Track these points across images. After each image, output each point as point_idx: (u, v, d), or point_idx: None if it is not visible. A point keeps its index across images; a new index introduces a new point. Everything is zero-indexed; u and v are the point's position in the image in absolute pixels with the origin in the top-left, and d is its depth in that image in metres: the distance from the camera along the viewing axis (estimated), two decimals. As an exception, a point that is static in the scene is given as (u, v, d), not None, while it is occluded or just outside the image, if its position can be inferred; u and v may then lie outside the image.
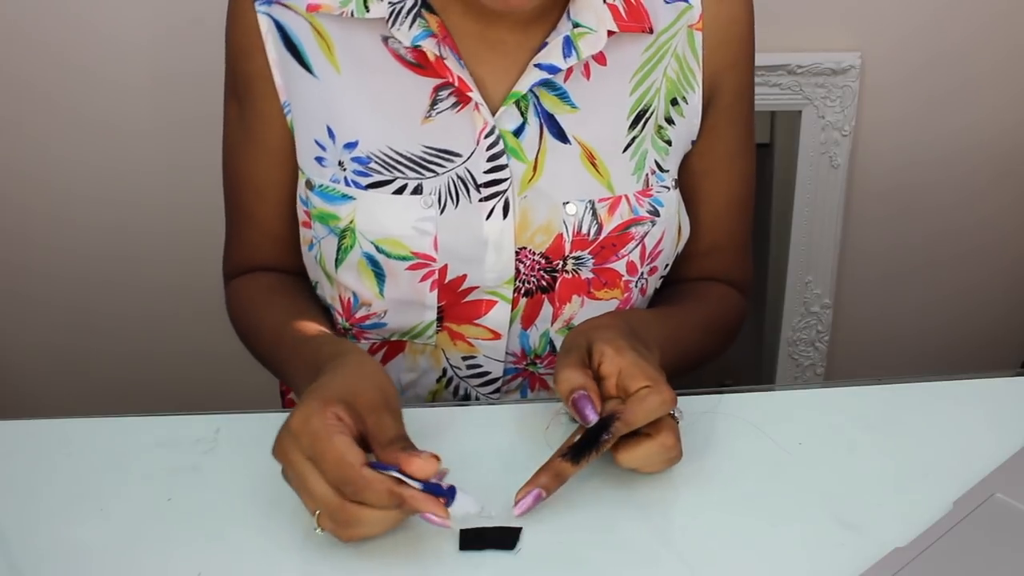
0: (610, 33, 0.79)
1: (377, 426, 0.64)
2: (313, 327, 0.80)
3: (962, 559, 0.62)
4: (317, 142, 0.81)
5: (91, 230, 1.51)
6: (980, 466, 0.70)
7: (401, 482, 0.60)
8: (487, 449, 0.73)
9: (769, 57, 1.43)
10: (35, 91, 1.41)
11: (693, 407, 0.75)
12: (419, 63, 0.79)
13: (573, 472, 0.66)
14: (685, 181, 0.88)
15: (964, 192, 1.57)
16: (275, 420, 0.76)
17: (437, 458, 0.61)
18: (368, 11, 0.77)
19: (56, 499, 0.69)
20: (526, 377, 0.89)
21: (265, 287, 0.89)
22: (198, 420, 0.76)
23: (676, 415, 0.68)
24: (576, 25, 0.78)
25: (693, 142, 0.86)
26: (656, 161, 0.83)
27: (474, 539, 0.65)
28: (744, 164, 0.90)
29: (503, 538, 0.65)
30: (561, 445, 0.67)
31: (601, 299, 0.84)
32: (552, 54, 0.78)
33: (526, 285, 0.83)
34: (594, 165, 0.81)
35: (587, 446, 0.65)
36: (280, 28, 0.81)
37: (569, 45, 0.78)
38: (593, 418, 0.66)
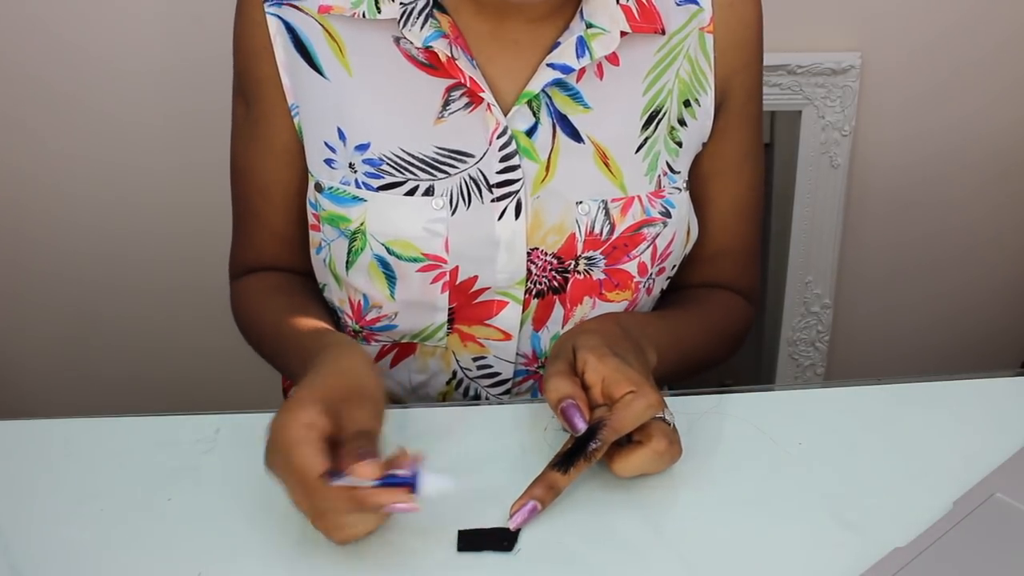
0: (623, 34, 0.79)
1: (348, 419, 0.64)
2: (310, 322, 0.80)
3: (962, 559, 0.62)
4: (327, 144, 0.81)
5: (91, 230, 1.51)
6: (980, 466, 0.70)
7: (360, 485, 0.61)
8: (491, 449, 0.73)
9: (769, 57, 1.41)
10: (38, 90, 1.41)
11: (693, 407, 0.76)
12: (431, 64, 0.79)
13: (566, 483, 0.66)
14: (694, 183, 0.88)
15: (964, 191, 1.57)
16: (275, 420, 0.77)
17: (406, 453, 0.61)
18: (379, 12, 0.77)
19: (56, 499, 0.69)
20: (536, 380, 0.89)
21: (268, 285, 0.89)
22: (198, 420, 0.76)
23: (667, 418, 0.68)
24: (590, 25, 0.78)
25: (704, 144, 0.86)
26: (668, 162, 0.84)
27: (472, 540, 0.65)
28: (752, 167, 0.90)
29: (502, 539, 0.65)
30: (553, 456, 0.67)
31: (612, 301, 0.84)
32: (565, 54, 0.78)
33: (537, 286, 0.83)
34: (607, 165, 0.81)
35: (576, 453, 0.66)
36: (290, 29, 0.81)
37: (583, 45, 0.78)
38: (581, 426, 0.66)
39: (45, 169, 1.47)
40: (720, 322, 0.90)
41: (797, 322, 1.66)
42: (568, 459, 0.66)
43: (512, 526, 0.65)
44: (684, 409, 0.74)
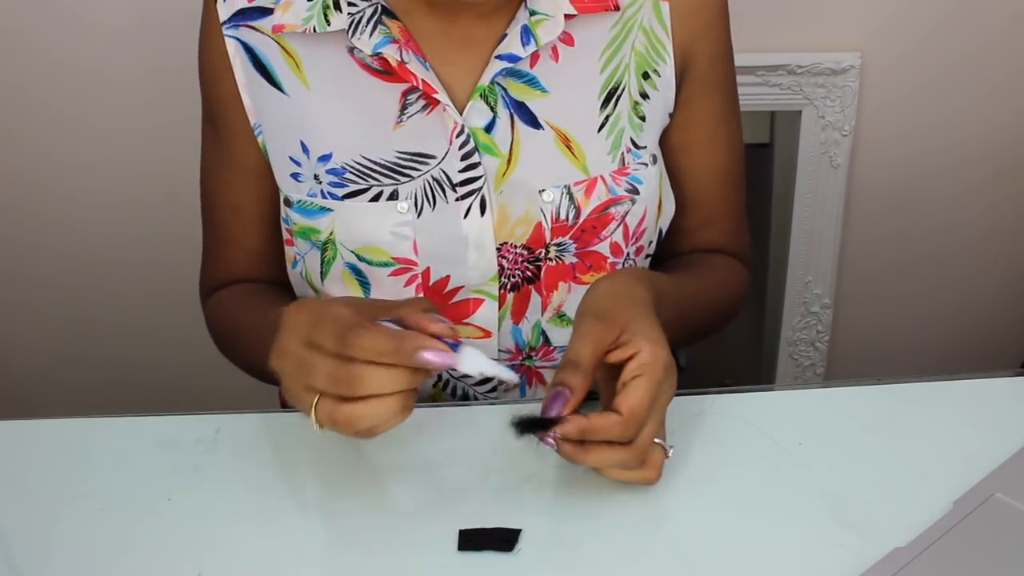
0: (568, 16, 0.79)
1: (373, 303, 0.63)
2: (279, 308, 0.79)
3: (962, 559, 0.62)
4: (292, 159, 0.82)
5: (91, 230, 1.51)
6: (980, 466, 0.70)
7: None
8: (490, 449, 0.73)
9: (769, 57, 1.43)
10: (33, 93, 1.41)
11: (693, 407, 0.75)
12: (385, 70, 0.79)
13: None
14: (668, 157, 0.87)
15: (964, 192, 1.57)
16: (275, 420, 0.77)
17: (445, 324, 0.61)
18: (329, 24, 0.78)
19: (56, 499, 0.69)
20: (523, 372, 0.89)
21: (243, 292, 0.89)
22: (198, 420, 0.76)
23: (668, 451, 0.67)
24: (533, 13, 0.79)
25: (671, 115, 0.86)
26: (632, 138, 0.83)
27: (473, 540, 0.65)
28: (727, 132, 0.89)
29: (502, 539, 0.64)
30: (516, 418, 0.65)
31: (587, 283, 0.84)
32: (512, 44, 0.78)
33: (511, 279, 0.83)
34: (569, 148, 0.81)
35: (534, 428, 0.63)
36: (248, 50, 0.81)
37: (527, 33, 0.78)
38: (552, 412, 0.63)
39: (42, 170, 1.47)
40: (722, 291, 0.90)
41: (797, 322, 1.66)
42: (525, 427, 0.64)
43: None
44: (684, 409, 0.74)
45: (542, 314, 0.85)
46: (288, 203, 0.83)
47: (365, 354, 0.59)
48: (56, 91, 1.42)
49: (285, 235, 0.86)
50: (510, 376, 0.64)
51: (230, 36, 0.81)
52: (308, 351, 0.61)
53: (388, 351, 0.59)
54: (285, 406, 1.03)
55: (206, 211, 0.90)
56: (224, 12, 0.81)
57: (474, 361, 0.62)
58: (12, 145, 1.45)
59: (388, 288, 0.82)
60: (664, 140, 0.87)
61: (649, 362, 0.64)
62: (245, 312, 0.85)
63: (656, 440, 0.66)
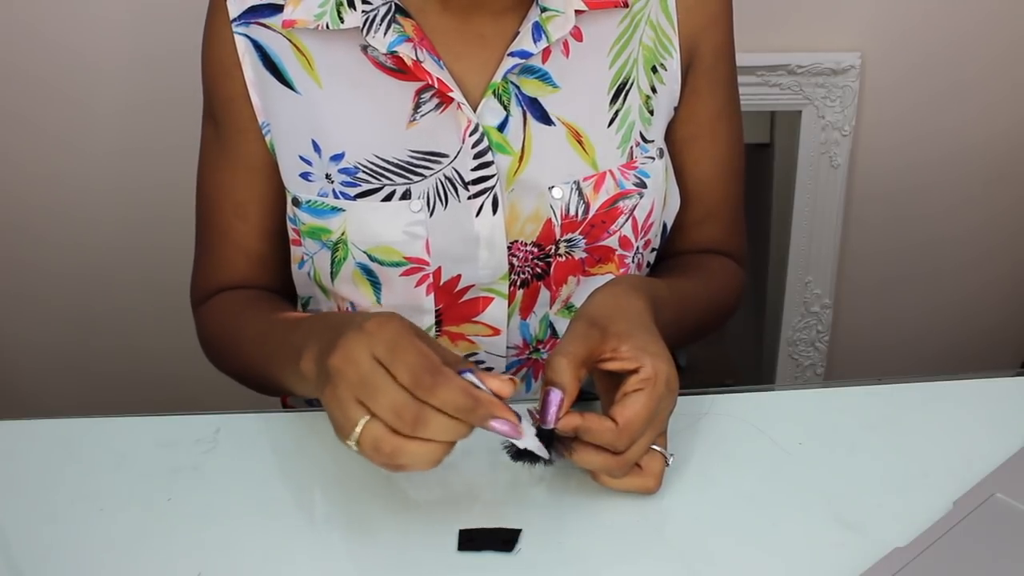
0: (579, 12, 0.79)
1: (441, 351, 0.62)
2: (304, 315, 0.78)
3: (962, 559, 0.62)
4: (302, 158, 0.81)
5: (92, 230, 1.51)
6: (980, 466, 0.70)
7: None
8: (492, 448, 0.73)
9: (769, 57, 1.43)
10: (35, 84, 1.41)
11: (693, 407, 0.76)
12: (399, 68, 0.79)
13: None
14: (671, 151, 0.88)
15: (963, 192, 1.57)
16: (275, 420, 0.77)
17: (514, 382, 0.61)
18: (342, 22, 0.78)
19: (56, 499, 0.69)
20: (530, 366, 0.89)
21: (244, 298, 0.87)
22: (198, 420, 0.76)
23: (668, 459, 0.68)
24: (544, 9, 0.79)
25: (675, 108, 0.86)
26: (641, 132, 0.84)
27: (472, 540, 0.65)
28: (728, 126, 0.90)
29: (502, 539, 0.64)
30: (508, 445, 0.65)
31: (595, 274, 0.85)
32: (524, 41, 0.79)
33: (521, 276, 0.83)
34: (580, 143, 0.81)
35: (525, 456, 0.64)
36: (258, 48, 0.81)
37: (539, 29, 0.78)
38: (547, 423, 0.64)
39: (44, 164, 1.47)
40: (718, 293, 0.90)
41: (797, 322, 1.66)
42: (519, 453, 0.64)
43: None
44: (684, 409, 0.74)
45: (550, 307, 0.86)
46: (297, 203, 0.82)
47: (440, 404, 0.58)
48: (55, 96, 1.42)
49: (292, 235, 0.85)
50: (545, 455, 0.64)
51: (240, 33, 0.81)
52: (378, 372, 0.59)
53: (462, 409, 0.58)
54: (286, 406, 1.03)
55: (204, 212, 0.89)
56: (234, 9, 0.81)
57: (529, 438, 0.62)
58: (14, 137, 1.45)
59: (399, 288, 0.82)
60: (670, 134, 0.87)
61: (651, 377, 0.64)
62: (250, 319, 0.83)
63: (655, 448, 0.67)
